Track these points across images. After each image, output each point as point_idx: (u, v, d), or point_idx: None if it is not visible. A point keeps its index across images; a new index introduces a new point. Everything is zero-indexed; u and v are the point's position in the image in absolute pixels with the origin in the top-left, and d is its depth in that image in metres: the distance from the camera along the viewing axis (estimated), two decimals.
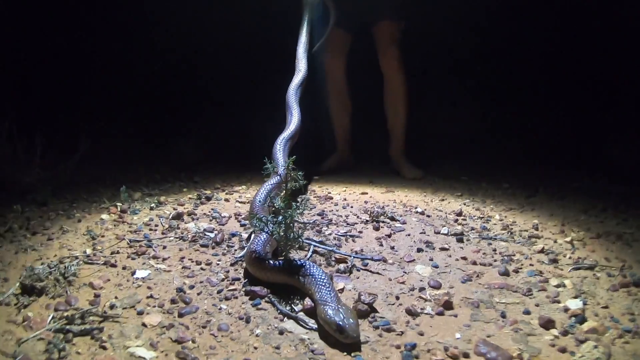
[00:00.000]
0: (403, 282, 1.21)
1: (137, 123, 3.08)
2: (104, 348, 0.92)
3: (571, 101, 3.34)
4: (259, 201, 1.48)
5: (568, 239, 1.64)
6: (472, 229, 1.68)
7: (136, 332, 0.98)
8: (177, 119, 3.23)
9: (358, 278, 1.23)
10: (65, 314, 1.00)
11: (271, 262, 1.13)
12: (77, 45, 3.05)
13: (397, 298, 1.13)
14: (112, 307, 1.06)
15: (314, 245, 1.35)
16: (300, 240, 1.20)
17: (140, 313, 1.04)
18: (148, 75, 3.21)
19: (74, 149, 2.08)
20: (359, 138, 2.92)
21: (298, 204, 1.18)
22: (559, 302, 1.15)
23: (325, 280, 1.05)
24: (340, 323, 0.92)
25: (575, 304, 1.11)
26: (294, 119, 1.99)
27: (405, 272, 1.26)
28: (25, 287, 1.08)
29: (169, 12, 3.06)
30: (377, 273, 1.25)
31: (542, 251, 1.49)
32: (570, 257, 1.48)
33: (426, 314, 1.06)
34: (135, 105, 3.16)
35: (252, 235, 1.28)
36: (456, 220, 1.76)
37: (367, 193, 2.18)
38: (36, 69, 2.88)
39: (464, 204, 2.07)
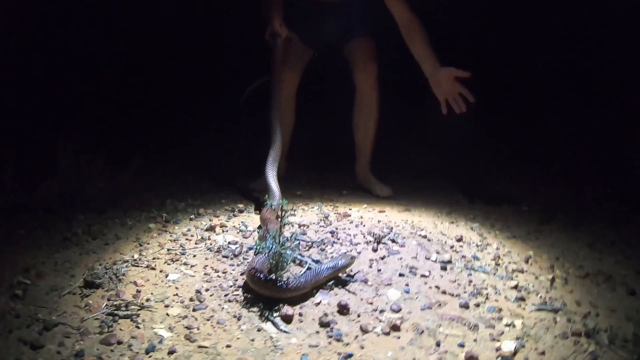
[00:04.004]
0: (371, 303, 1.56)
1: (187, 134, 3.55)
2: (138, 327, 1.40)
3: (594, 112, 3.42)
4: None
5: (550, 276, 1.87)
6: (463, 257, 1.96)
7: (161, 319, 1.44)
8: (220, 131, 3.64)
9: (336, 295, 1.59)
10: (115, 303, 1.48)
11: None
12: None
13: (359, 315, 1.48)
14: (147, 300, 1.52)
15: (309, 264, 1.74)
16: (287, 264, 1.56)
17: (166, 306, 1.50)
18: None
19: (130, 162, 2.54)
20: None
21: (289, 238, 1.57)
22: (498, 341, 1.40)
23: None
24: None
25: (508, 346, 1.35)
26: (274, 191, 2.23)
27: (378, 295, 1.61)
28: (87, 282, 1.58)
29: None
30: (354, 293, 1.61)
31: (515, 287, 1.75)
32: (541, 297, 1.72)
33: (375, 332, 1.41)
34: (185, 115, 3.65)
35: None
36: (452, 247, 2.04)
37: (384, 211, 2.50)
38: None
39: (471, 229, 2.33)
